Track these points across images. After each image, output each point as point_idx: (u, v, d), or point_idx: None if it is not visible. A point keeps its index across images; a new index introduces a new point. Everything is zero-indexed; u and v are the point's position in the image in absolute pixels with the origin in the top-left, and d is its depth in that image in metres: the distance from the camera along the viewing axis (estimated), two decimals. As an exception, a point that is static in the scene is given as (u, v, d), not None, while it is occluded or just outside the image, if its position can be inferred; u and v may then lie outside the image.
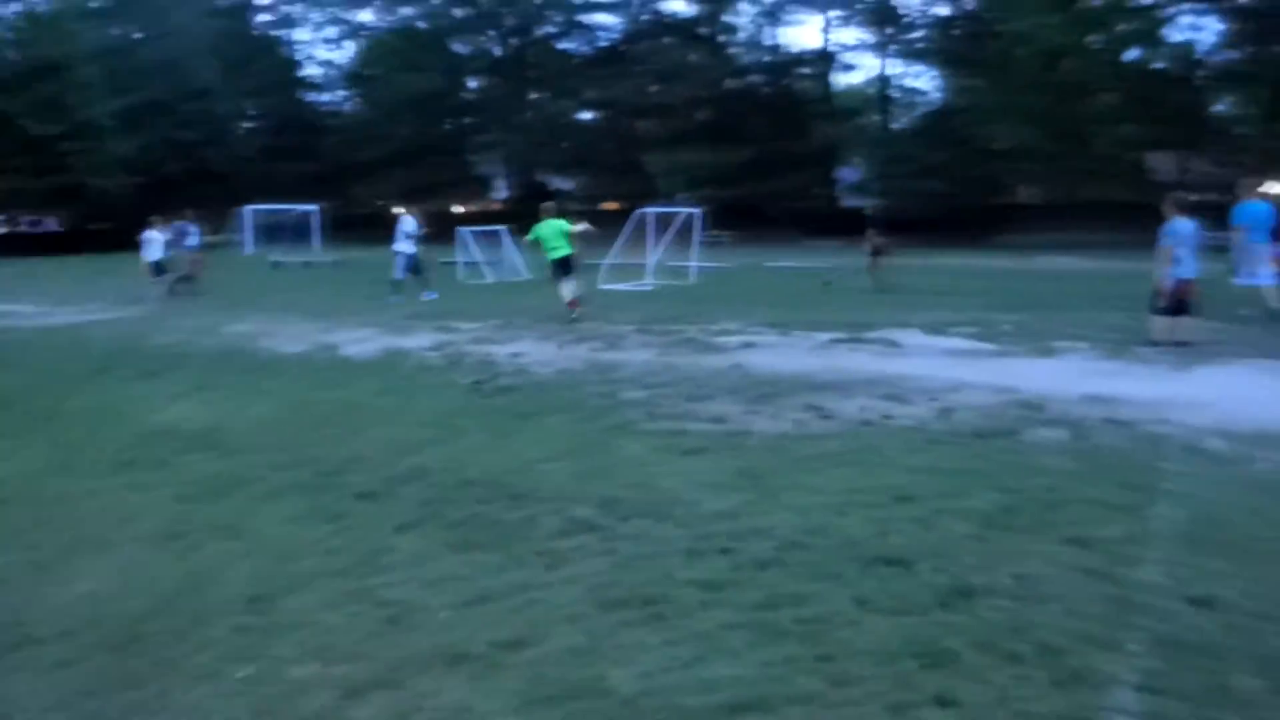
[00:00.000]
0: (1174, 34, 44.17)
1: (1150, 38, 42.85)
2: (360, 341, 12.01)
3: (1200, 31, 44.86)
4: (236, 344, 12.14)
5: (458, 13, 50.76)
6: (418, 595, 4.11)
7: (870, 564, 4.32)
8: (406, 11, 51.15)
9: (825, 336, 11.93)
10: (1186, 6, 44.17)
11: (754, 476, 5.70)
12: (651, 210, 21.95)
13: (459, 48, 52.09)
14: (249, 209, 37.94)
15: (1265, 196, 13.53)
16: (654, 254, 21.05)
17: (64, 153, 39.13)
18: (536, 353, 10.89)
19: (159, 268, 18.55)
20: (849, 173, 53.47)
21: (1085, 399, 7.90)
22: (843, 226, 42.83)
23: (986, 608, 3.86)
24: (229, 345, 12.04)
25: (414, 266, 17.92)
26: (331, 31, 53.66)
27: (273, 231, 37.22)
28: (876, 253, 19.49)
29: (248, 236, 37.34)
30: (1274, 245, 13.04)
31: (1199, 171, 44.56)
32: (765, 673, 3.38)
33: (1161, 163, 44.58)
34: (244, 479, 5.87)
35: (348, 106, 54.75)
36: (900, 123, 51.51)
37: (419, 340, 12.01)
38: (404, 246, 17.90)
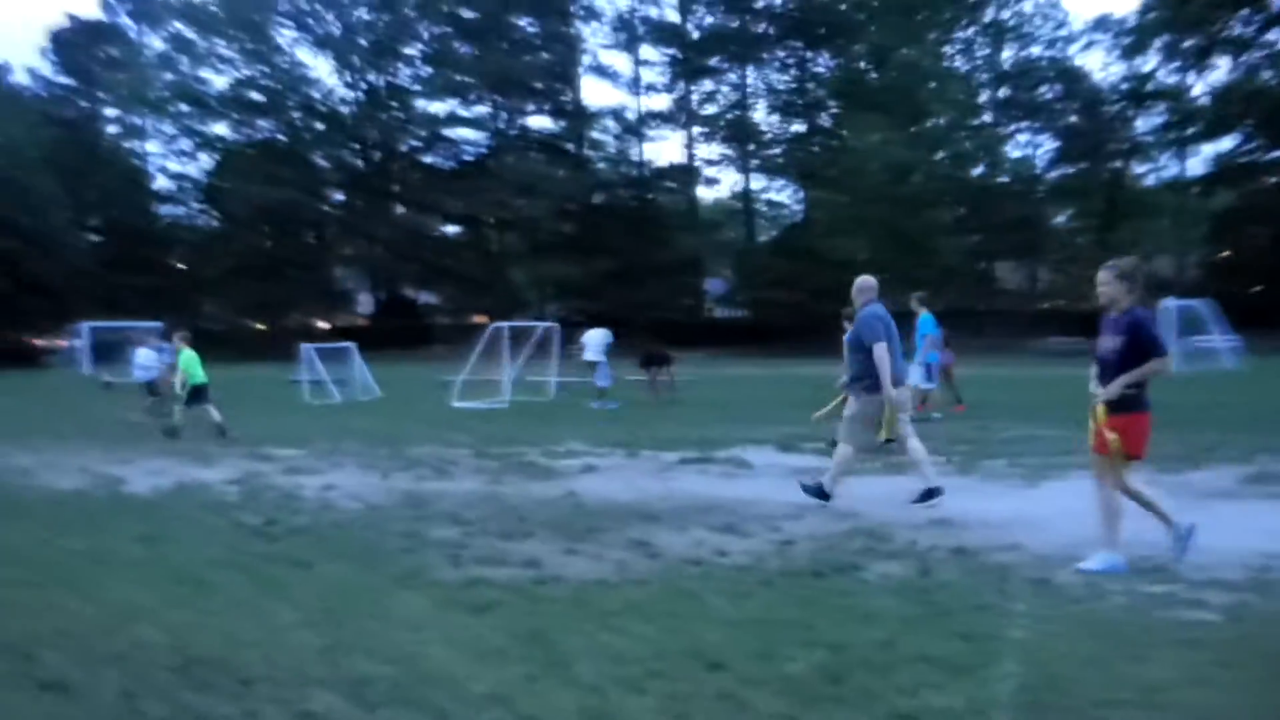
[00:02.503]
0: (1013, 150, 46.74)
1: (991, 154, 45.07)
2: (154, 474, 10.69)
3: (1038, 149, 47.64)
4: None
5: (319, 126, 50.05)
6: None
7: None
8: (264, 124, 50.13)
9: (674, 456, 11.29)
10: (1024, 125, 46.92)
11: (546, 641, 4.80)
12: (506, 324, 21.25)
13: (320, 161, 51.21)
14: (86, 325, 35.89)
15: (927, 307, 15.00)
16: (510, 369, 20.31)
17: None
18: (352, 484, 9.83)
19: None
20: (716, 284, 54.20)
21: (933, 523, 7.34)
22: (711, 337, 43.03)
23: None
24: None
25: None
26: (185, 144, 52.08)
27: (113, 349, 35.27)
28: (653, 365, 19.26)
29: (85, 355, 35.31)
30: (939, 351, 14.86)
31: (1044, 279, 46.66)
32: None
33: (1008, 272, 46.46)
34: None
35: (200, 220, 53.00)
36: (764, 235, 52.65)
37: (222, 471, 10.78)
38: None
